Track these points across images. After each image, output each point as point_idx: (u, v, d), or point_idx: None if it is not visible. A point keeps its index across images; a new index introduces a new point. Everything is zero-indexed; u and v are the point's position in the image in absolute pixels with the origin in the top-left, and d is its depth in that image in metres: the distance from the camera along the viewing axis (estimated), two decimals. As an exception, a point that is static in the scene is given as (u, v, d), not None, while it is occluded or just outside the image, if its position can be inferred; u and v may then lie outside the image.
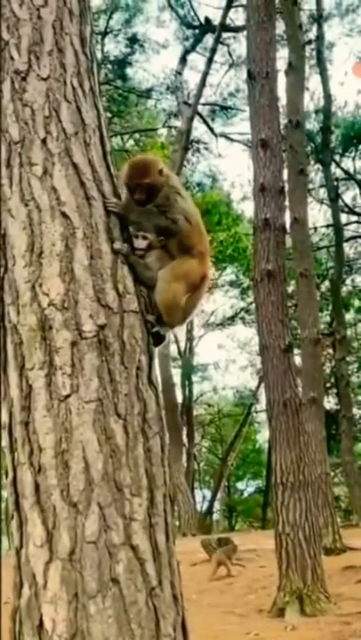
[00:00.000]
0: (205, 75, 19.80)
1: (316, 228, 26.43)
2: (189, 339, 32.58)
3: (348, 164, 27.23)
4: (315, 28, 22.49)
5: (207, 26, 22.90)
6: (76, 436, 2.47)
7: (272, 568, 10.11)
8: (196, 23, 23.77)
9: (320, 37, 22.25)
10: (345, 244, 25.66)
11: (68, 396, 2.50)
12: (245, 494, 37.07)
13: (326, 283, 26.83)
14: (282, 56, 17.07)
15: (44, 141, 2.72)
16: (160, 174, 3.08)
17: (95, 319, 2.59)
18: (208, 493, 36.55)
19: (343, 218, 26.18)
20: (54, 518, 2.41)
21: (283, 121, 13.39)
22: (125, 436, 2.54)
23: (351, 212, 27.55)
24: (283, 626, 8.20)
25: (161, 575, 2.49)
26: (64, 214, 2.66)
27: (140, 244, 2.94)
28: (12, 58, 2.81)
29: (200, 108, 22.24)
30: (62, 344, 2.54)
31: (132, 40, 24.48)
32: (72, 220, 2.66)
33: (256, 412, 34.36)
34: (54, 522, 2.41)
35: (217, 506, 36.74)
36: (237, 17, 22.73)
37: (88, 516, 2.40)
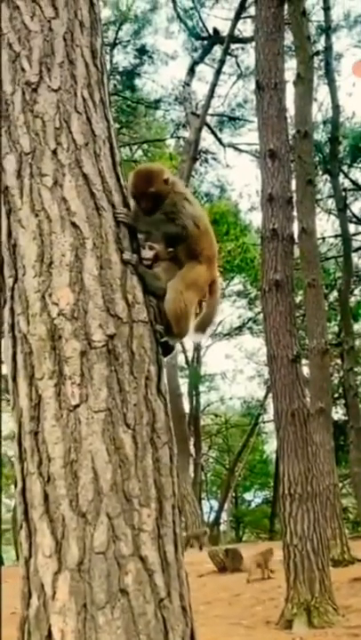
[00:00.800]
0: (214, 86, 19.86)
1: (324, 239, 26.42)
2: (197, 348, 32.56)
3: (356, 174, 27.26)
4: (323, 40, 22.54)
5: (216, 37, 22.99)
6: (85, 445, 2.47)
7: (280, 579, 10.07)
8: (205, 34, 23.86)
9: (328, 48, 22.30)
10: (353, 255, 25.63)
11: (77, 406, 2.50)
12: (253, 505, 36.95)
13: (334, 293, 26.81)
14: (290, 67, 17.12)
15: (54, 152, 2.74)
16: (165, 183, 3.08)
17: (104, 329, 2.60)
18: (215, 504, 36.49)
19: (351, 228, 26.17)
20: (63, 528, 2.41)
21: (291, 131, 13.41)
22: (134, 446, 2.54)
23: (359, 222, 27.55)
24: (290, 638, 8.16)
25: (170, 586, 2.49)
26: (74, 224, 2.67)
27: (147, 254, 2.95)
28: (23, 69, 2.83)
29: (208, 118, 22.31)
30: (72, 354, 2.54)
31: (141, 51, 24.59)
32: (82, 231, 2.67)
33: (264, 423, 34.31)
34: (63, 532, 2.40)
35: (224, 517, 36.66)
36: (246, 28, 22.82)
37: (97, 526, 2.40)
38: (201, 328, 3.19)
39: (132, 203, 2.99)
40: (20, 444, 2.59)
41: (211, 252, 3.18)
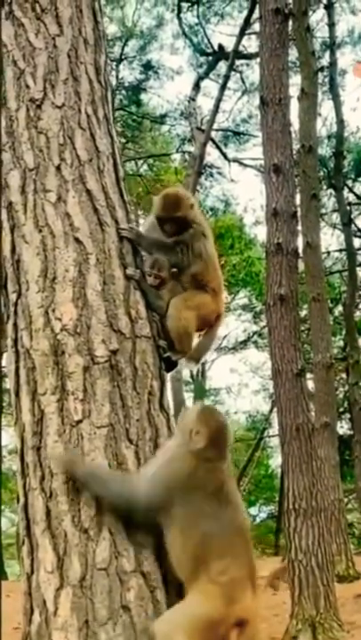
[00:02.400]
0: (219, 101, 19.90)
1: (328, 253, 26.38)
2: (202, 362, 32.47)
3: (360, 188, 27.27)
4: (327, 55, 22.62)
5: (220, 53, 23.06)
6: (88, 461, 2.47)
7: (284, 595, 10.01)
8: (210, 50, 23.94)
9: (333, 64, 22.34)
10: (358, 269, 25.59)
11: (79, 422, 2.50)
12: (258, 520, 36.76)
13: (339, 307, 26.74)
14: (295, 82, 17.14)
15: (58, 168, 2.75)
16: (191, 208, 3.11)
17: (107, 344, 2.60)
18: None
19: (356, 242, 26.10)
20: (65, 544, 2.41)
21: (295, 146, 13.43)
22: (137, 461, 2.54)
23: (364, 236, 27.51)
24: (295, 654, 8.10)
25: (172, 603, 2.47)
26: (77, 240, 2.68)
27: (153, 282, 2.95)
28: (27, 86, 2.86)
29: (213, 133, 22.35)
30: (74, 369, 2.55)
31: (147, 67, 24.69)
32: (85, 246, 2.69)
33: (269, 437, 34.14)
34: (65, 548, 2.40)
35: (229, 531, 36.25)
36: (250, 44, 22.88)
37: (99, 542, 2.40)
38: (194, 357, 3.18)
39: (145, 220, 3.00)
40: (22, 460, 2.59)
41: (216, 285, 3.20)
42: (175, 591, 2.51)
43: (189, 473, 2.43)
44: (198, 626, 2.27)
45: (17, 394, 2.65)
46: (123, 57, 23.81)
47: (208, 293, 3.13)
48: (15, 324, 2.70)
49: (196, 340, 3.15)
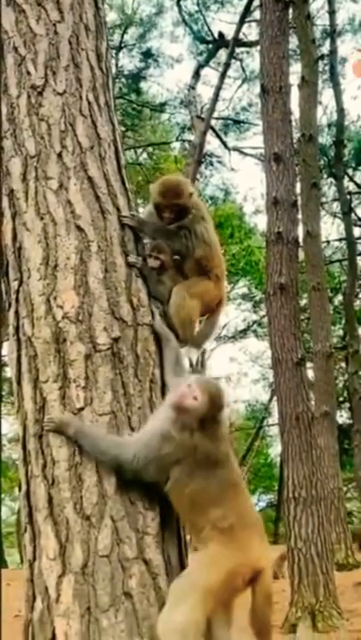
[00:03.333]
0: (219, 89, 19.80)
1: (328, 242, 26.35)
2: (202, 351, 32.50)
3: (360, 177, 27.20)
4: (328, 43, 22.52)
5: (220, 41, 22.96)
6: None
7: (284, 583, 10.05)
8: (210, 38, 23.84)
9: (333, 52, 22.25)
10: (358, 258, 25.56)
11: (81, 409, 2.51)
12: (257, 509, 36.93)
13: (339, 296, 26.75)
14: (295, 71, 17.08)
15: (59, 155, 2.74)
16: (190, 196, 3.10)
17: (109, 332, 2.60)
18: (219, 507, 36.23)
19: (356, 231, 26.09)
20: (67, 531, 2.41)
21: (296, 135, 13.39)
22: (139, 449, 2.53)
23: (364, 225, 27.47)
24: (295, 642, 8.14)
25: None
26: (79, 228, 2.67)
27: (154, 263, 2.95)
28: (28, 73, 2.84)
29: (213, 122, 22.27)
30: (76, 357, 2.55)
31: (147, 54, 24.59)
32: (87, 234, 2.68)
33: (268, 426, 34.20)
34: (67, 535, 2.41)
35: (228, 520, 36.36)
36: (251, 32, 22.78)
37: (101, 529, 2.40)
38: (196, 344, 3.18)
39: (144, 209, 3.00)
40: (24, 447, 2.59)
41: (219, 271, 3.20)
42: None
43: (185, 445, 2.46)
44: (215, 588, 2.33)
45: (19, 382, 2.65)
46: (122, 45, 23.71)
47: (211, 280, 3.14)
48: (17, 312, 2.69)
49: (197, 327, 3.14)
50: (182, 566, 2.56)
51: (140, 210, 3.09)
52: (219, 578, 2.34)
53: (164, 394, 2.73)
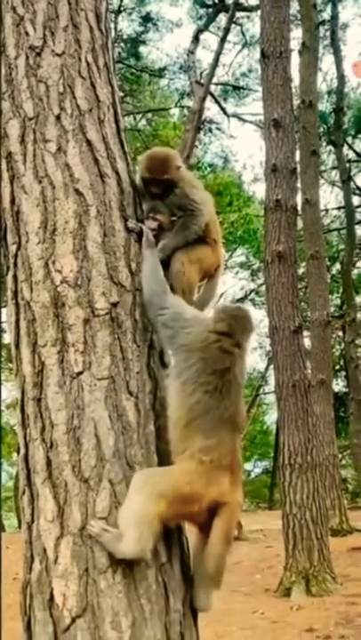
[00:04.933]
0: (218, 54, 19.54)
1: (327, 210, 26.28)
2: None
3: (360, 145, 27.02)
4: (329, 8, 22.23)
5: (221, 5, 22.64)
6: (88, 412, 2.48)
7: (279, 548, 10.17)
8: (210, 2, 23.52)
9: (334, 17, 22.00)
10: (357, 227, 25.49)
11: (80, 373, 2.51)
12: (253, 475, 37.16)
13: (337, 265, 26.71)
14: (296, 36, 16.90)
15: (58, 118, 2.71)
16: (178, 170, 3.09)
17: (108, 297, 2.59)
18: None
19: (355, 200, 25.98)
20: (65, 494, 2.43)
21: (295, 101, 13.27)
22: (137, 413, 2.55)
23: (363, 194, 27.35)
24: (289, 605, 8.26)
25: (171, 552, 2.51)
26: (78, 191, 2.65)
27: (151, 224, 2.94)
28: (27, 33, 2.79)
29: (212, 87, 22.03)
30: (75, 321, 2.54)
31: (146, 18, 24.26)
32: (85, 198, 2.66)
33: (265, 394, 34.38)
34: (65, 497, 2.42)
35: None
36: (251, -4, 22.53)
37: (99, 492, 2.42)
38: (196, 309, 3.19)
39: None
40: (23, 411, 2.60)
41: (217, 236, 3.20)
42: (176, 541, 2.56)
43: (202, 345, 2.59)
44: (169, 495, 2.38)
45: (17, 346, 2.65)
46: (121, 8, 23.37)
47: (209, 245, 3.13)
48: (15, 276, 2.68)
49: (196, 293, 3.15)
50: (179, 529, 2.59)
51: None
52: (177, 490, 2.40)
53: (162, 359, 2.74)
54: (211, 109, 24.61)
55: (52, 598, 2.39)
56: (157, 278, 2.71)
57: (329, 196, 27.33)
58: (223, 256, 3.32)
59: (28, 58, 2.77)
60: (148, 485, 2.39)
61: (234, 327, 2.64)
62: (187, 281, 2.96)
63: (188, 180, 3.14)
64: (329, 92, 24.67)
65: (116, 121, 2.85)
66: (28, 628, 2.46)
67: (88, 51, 2.83)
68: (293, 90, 11.49)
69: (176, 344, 2.63)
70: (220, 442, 2.49)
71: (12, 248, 2.70)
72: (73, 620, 2.34)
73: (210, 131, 26.14)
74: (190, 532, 2.63)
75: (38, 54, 2.77)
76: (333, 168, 26.16)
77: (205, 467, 2.44)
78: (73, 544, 2.39)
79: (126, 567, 2.37)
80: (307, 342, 13.54)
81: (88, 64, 2.81)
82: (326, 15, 22.27)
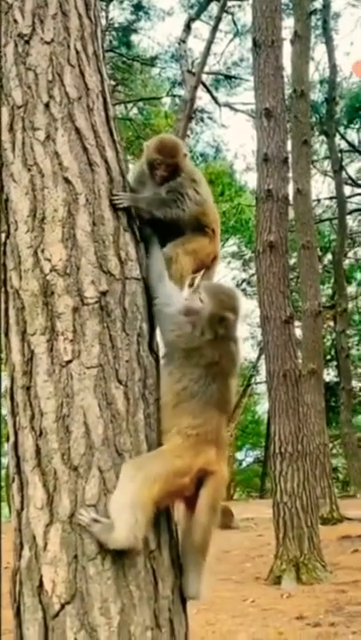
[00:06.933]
0: (210, 43, 19.49)
1: (319, 200, 26.31)
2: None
3: (352, 135, 27.03)
4: (321, -3, 22.20)
5: (212, -7, 22.59)
6: (77, 401, 2.49)
7: (269, 537, 10.23)
8: (202, -10, 23.45)
9: (326, 7, 21.98)
10: (348, 217, 25.56)
11: (69, 362, 2.51)
12: (244, 464, 37.29)
13: (329, 255, 26.79)
14: (287, 25, 16.87)
15: (47, 106, 2.70)
16: (185, 158, 3.14)
17: (97, 285, 2.59)
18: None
19: (347, 190, 26.03)
20: (55, 481, 2.44)
21: (287, 91, 13.25)
22: (126, 401, 2.55)
23: (355, 184, 27.38)
24: (279, 593, 8.32)
25: (160, 539, 2.53)
26: (67, 180, 2.65)
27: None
28: (15, 21, 2.78)
29: (204, 77, 21.95)
30: (64, 310, 2.54)
31: (137, 7, 24.17)
32: (74, 186, 2.65)
33: (256, 384, 34.47)
34: (55, 485, 2.43)
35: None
36: (243, -16, 22.44)
37: (88, 479, 2.43)
38: None
39: (133, 167, 2.98)
40: (12, 399, 2.61)
41: (216, 226, 3.23)
42: (166, 529, 2.57)
43: (187, 341, 2.65)
44: (161, 474, 2.44)
45: (6, 334, 2.65)
46: (113, -4, 23.26)
47: (207, 235, 3.15)
48: (4, 265, 2.68)
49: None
50: (168, 515, 2.60)
51: (130, 167, 3.07)
52: (169, 466, 2.47)
53: (151, 348, 2.75)
54: (202, 98, 24.59)
55: (41, 585, 2.40)
56: (154, 267, 2.81)
57: (321, 186, 27.39)
58: (220, 248, 3.34)
59: (16, 46, 2.76)
60: (140, 472, 2.42)
61: (219, 309, 2.68)
62: (177, 269, 2.96)
63: (190, 173, 3.16)
64: (321, 82, 24.67)
65: (106, 109, 2.84)
66: (18, 614, 2.47)
67: (77, 39, 2.82)
68: (285, 79, 11.48)
69: (163, 337, 2.73)
70: (205, 421, 2.57)
71: (1, 236, 2.70)
72: (62, 607, 2.35)
73: (201, 120, 26.12)
74: (179, 517, 2.66)
75: (27, 42, 2.75)
76: (325, 158, 26.20)
77: (192, 440, 2.52)
78: (62, 531, 2.40)
79: (115, 554, 2.38)
80: (298, 332, 13.58)
81: (77, 52, 2.80)
82: (318, 4, 22.23)
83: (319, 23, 22.48)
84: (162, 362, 2.72)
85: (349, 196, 26.74)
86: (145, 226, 2.93)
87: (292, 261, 15.37)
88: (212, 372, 2.61)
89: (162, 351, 2.75)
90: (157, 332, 2.78)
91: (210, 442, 2.55)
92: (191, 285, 2.80)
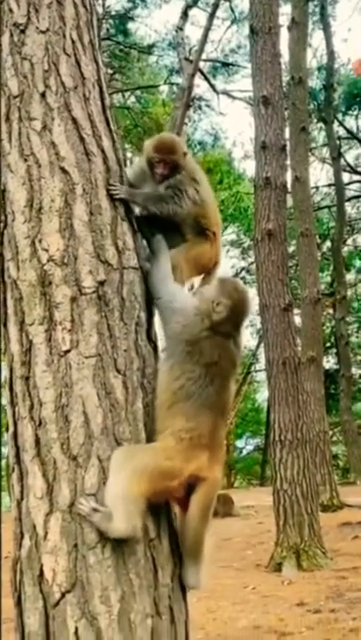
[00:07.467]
0: (207, 30, 19.43)
1: (317, 188, 26.26)
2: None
3: (350, 122, 26.96)
4: (319, -17, 22.09)
5: (210, -20, 22.47)
6: (76, 390, 2.49)
7: (270, 524, 10.26)
8: (199, -23, 23.33)
9: (324, -8, 21.87)
10: (346, 204, 25.51)
11: (67, 352, 2.52)
12: (244, 452, 37.40)
13: (327, 243, 26.75)
14: (285, 12, 16.78)
15: (43, 95, 2.69)
16: (184, 156, 3.13)
17: (95, 275, 2.59)
18: (207, 452, 36.64)
19: (345, 177, 25.98)
20: (54, 471, 2.45)
21: (285, 78, 13.19)
22: (125, 390, 2.56)
23: (353, 171, 27.33)
24: (280, 580, 8.36)
25: (159, 527, 2.54)
26: (63, 170, 2.65)
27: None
28: (10, 10, 2.77)
29: (202, 64, 21.87)
30: (62, 300, 2.55)
31: (134, -6, 24.07)
32: (71, 176, 2.65)
33: (256, 372, 34.51)
34: (54, 474, 2.44)
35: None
36: (240, -29, 22.33)
37: (88, 468, 2.44)
38: None
39: (131, 166, 2.97)
40: (11, 389, 2.61)
41: (217, 228, 3.21)
42: (165, 517, 2.58)
43: (190, 338, 2.63)
44: (150, 471, 2.44)
45: (5, 324, 2.66)
46: (109, -16, 23.14)
47: (208, 239, 3.14)
48: (2, 255, 2.68)
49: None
50: (167, 505, 2.62)
51: (128, 155, 3.06)
52: (157, 465, 2.46)
53: (149, 337, 2.75)
54: (200, 86, 24.49)
55: (41, 574, 2.42)
56: (160, 266, 2.82)
57: (319, 174, 27.38)
58: (221, 252, 3.33)
59: (12, 35, 2.75)
60: (127, 463, 2.42)
61: (233, 316, 2.67)
62: (179, 278, 2.97)
63: (191, 172, 3.15)
64: (319, 69, 24.57)
65: (102, 98, 2.84)
66: (19, 603, 2.49)
67: (72, 28, 2.81)
68: (283, 66, 11.45)
69: (167, 331, 2.70)
70: (200, 424, 2.54)
71: (-1, 226, 2.70)
72: (63, 595, 2.37)
73: (199, 108, 26.02)
74: (175, 510, 2.67)
75: (22, 31, 2.74)
76: (323, 145, 26.12)
77: (185, 444, 2.50)
78: (62, 520, 2.41)
79: (115, 543, 2.39)
80: (297, 320, 13.58)
81: (73, 41, 2.79)
82: (316, -10, 22.11)
83: (317, 9, 22.36)
84: (162, 357, 2.71)
85: (348, 183, 26.69)
86: (155, 230, 2.95)
87: (290, 249, 15.38)
88: (211, 372, 2.59)
89: (162, 353, 2.74)
90: (158, 324, 2.79)
91: (203, 446, 2.53)
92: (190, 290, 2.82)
